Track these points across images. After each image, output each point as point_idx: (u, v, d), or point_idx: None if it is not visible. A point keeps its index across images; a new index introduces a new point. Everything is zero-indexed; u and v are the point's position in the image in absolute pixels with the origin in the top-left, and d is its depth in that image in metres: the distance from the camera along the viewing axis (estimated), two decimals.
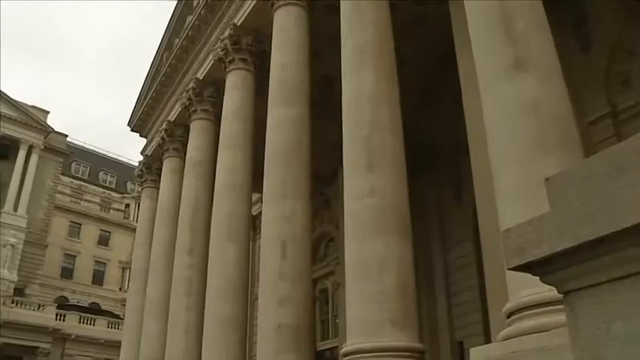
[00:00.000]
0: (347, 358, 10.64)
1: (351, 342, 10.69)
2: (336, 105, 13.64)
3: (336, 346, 22.30)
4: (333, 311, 24.76)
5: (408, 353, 10.22)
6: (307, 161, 15.35)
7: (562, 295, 2.20)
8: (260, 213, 20.54)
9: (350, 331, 10.97)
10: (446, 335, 19.91)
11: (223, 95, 20.30)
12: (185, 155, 23.53)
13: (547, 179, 2.23)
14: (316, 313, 24.35)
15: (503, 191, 8.41)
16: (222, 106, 20.21)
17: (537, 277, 2.28)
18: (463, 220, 19.62)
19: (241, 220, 17.94)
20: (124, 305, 53.69)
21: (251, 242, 20.52)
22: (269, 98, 16.45)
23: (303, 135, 15.51)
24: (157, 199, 26.08)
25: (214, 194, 18.87)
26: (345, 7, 14.00)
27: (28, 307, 50.77)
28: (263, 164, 15.76)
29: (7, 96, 62.84)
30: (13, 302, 50.17)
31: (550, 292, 6.39)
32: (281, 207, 14.59)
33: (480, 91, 9.37)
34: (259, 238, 18.81)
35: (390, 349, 10.13)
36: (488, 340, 12.57)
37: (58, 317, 51.50)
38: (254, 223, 25.56)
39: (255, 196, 21.76)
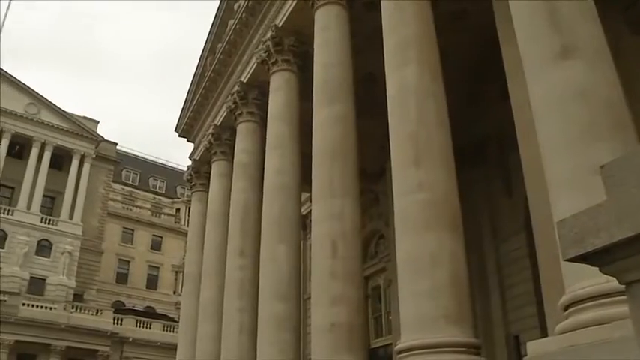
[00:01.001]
0: (402, 355, 10.60)
1: (406, 339, 10.64)
2: (381, 102, 13.58)
3: (390, 344, 22.20)
4: (386, 308, 24.65)
5: (464, 348, 10.12)
6: (354, 159, 15.31)
7: (623, 285, 2.15)
8: (309, 212, 20.59)
9: (404, 327, 10.92)
10: (500, 329, 19.64)
11: (268, 97, 20.39)
12: (233, 158, 23.69)
13: (602, 167, 2.18)
14: (369, 310, 24.29)
15: (555, 181, 8.25)
16: (267, 108, 20.31)
17: (595, 268, 2.23)
18: (514, 212, 19.34)
19: (291, 221, 18.00)
20: (179, 308, 54.50)
21: (302, 242, 20.58)
22: (314, 98, 16.48)
23: (349, 133, 15.48)
24: (207, 202, 26.33)
25: (263, 196, 18.96)
26: (385, 4, 13.94)
27: (87, 311, 52.28)
28: (311, 164, 15.79)
29: (59, 108, 64.44)
30: (73, 307, 51.79)
31: (609, 283, 6.26)
32: (330, 206, 14.60)
33: (526, 81, 9.21)
34: (310, 237, 18.85)
35: (445, 344, 10.05)
36: (544, 333, 12.36)
37: (116, 321, 52.91)
38: (304, 223, 25.61)
39: (304, 196, 21.79)
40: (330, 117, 15.61)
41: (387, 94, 13.00)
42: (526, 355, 8.13)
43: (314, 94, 16.53)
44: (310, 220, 16.51)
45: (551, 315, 9.47)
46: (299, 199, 19.28)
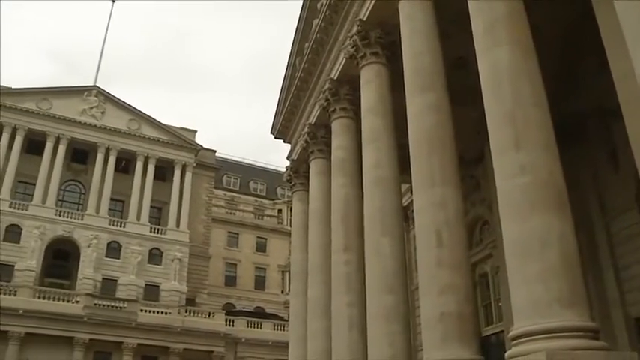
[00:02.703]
0: (515, 342, 10.37)
1: (519, 325, 10.41)
2: (474, 86, 13.35)
3: (502, 331, 21.80)
4: (495, 295, 24.17)
5: (581, 333, 9.77)
6: (452, 146, 15.10)
7: None
8: (411, 203, 20.49)
9: (516, 314, 10.68)
10: (618, 311, 18.83)
11: (360, 92, 20.41)
12: (330, 155, 23.85)
13: None
14: (478, 298, 23.90)
15: None
16: (360, 103, 20.33)
17: None
18: (623, 188, 18.53)
19: (393, 213, 17.94)
20: (287, 307, 55.47)
21: (405, 233, 20.48)
22: (406, 88, 16.36)
23: (445, 120, 15.28)
24: (308, 201, 26.62)
25: (363, 190, 19.01)
26: None
27: (199, 315, 54.44)
28: (408, 155, 15.71)
29: (158, 121, 66.98)
30: (186, 311, 53.91)
31: None
32: (431, 195, 14.47)
33: (629, 51, 8.82)
34: (413, 228, 18.75)
35: (561, 329, 9.73)
36: None
37: (228, 323, 54.75)
38: (405, 214, 25.48)
39: (404, 187, 21.68)
40: (424, 106, 15.45)
41: (480, 77, 12.75)
42: None
43: (405, 84, 16.41)
44: (412, 211, 16.45)
45: None
46: (399, 191, 19.18)
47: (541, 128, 11.55)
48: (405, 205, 24.74)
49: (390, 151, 18.70)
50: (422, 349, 14.46)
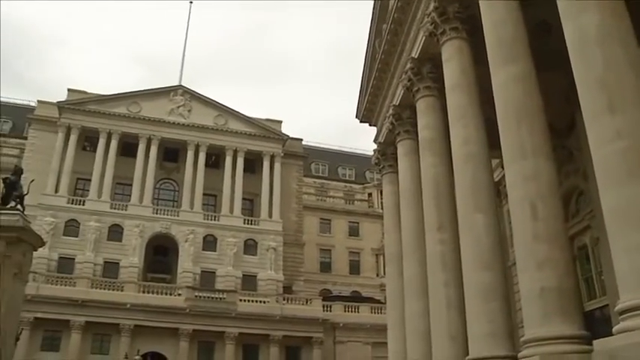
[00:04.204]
0: (624, 316, 9.94)
1: (625, 298, 10.00)
2: (559, 51, 12.90)
3: (606, 305, 21.04)
4: (596, 268, 23.37)
5: None
6: (540, 116, 14.66)
7: None
8: (502, 179, 20.04)
9: (621, 286, 10.26)
10: None
11: (442, 69, 20.11)
12: (417, 135, 23.61)
13: None
14: (578, 272, 23.17)
15: None
16: (443, 80, 20.04)
17: None
18: None
19: (485, 189, 17.61)
20: (383, 290, 55.71)
21: (497, 209, 20.08)
22: (489, 61, 15.97)
23: (532, 90, 14.83)
24: (398, 182, 26.51)
25: (453, 168, 18.74)
26: None
27: (297, 302, 55.48)
28: (496, 129, 15.38)
29: (243, 115, 68.28)
30: (284, 299, 55.01)
31: None
32: (522, 168, 14.10)
33: None
34: (505, 203, 18.32)
35: None
36: None
37: (325, 308, 55.49)
38: (497, 190, 24.98)
39: (494, 162, 21.24)
40: (509, 76, 15.04)
41: (567, 42, 12.30)
42: None
43: (489, 57, 16.02)
44: (504, 186, 16.09)
45: None
46: (490, 166, 18.81)
47: (637, 91, 11.03)
48: (496, 180, 24.28)
49: (478, 126, 18.35)
50: (522, 326, 14.15)
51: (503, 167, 17.43)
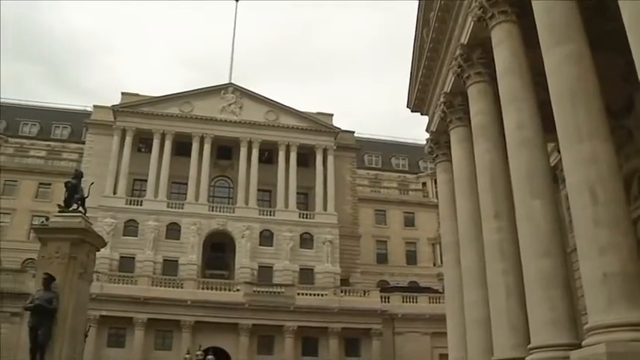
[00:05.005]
0: None
1: None
2: (614, 30, 12.51)
3: None
4: None
5: None
6: (597, 97, 14.26)
7: None
8: (558, 163, 19.59)
9: None
10: None
11: (492, 54, 19.78)
12: (469, 122, 23.29)
13: None
14: None
15: None
16: (494, 65, 19.71)
17: None
18: None
19: (541, 174, 17.24)
20: (441, 279, 55.32)
21: (555, 194, 19.65)
22: (540, 42, 15.63)
23: (586, 70, 14.43)
24: (452, 170, 26.20)
25: (508, 154, 18.40)
26: None
27: (355, 294, 55.62)
28: (550, 113, 15.04)
29: (294, 109, 68.58)
30: (342, 292, 55.17)
31: None
32: (579, 151, 13.75)
33: None
34: (563, 188, 17.92)
35: None
36: None
37: (383, 299, 55.50)
38: (554, 175, 24.45)
39: (549, 146, 20.77)
40: (562, 57, 14.67)
41: (624, 21, 11.89)
42: None
43: (540, 38, 15.67)
44: (560, 171, 15.73)
45: None
46: (545, 151, 18.42)
47: None
48: (552, 165, 23.76)
49: (532, 110, 17.98)
50: (585, 314, 13.82)
51: (559, 151, 17.02)
